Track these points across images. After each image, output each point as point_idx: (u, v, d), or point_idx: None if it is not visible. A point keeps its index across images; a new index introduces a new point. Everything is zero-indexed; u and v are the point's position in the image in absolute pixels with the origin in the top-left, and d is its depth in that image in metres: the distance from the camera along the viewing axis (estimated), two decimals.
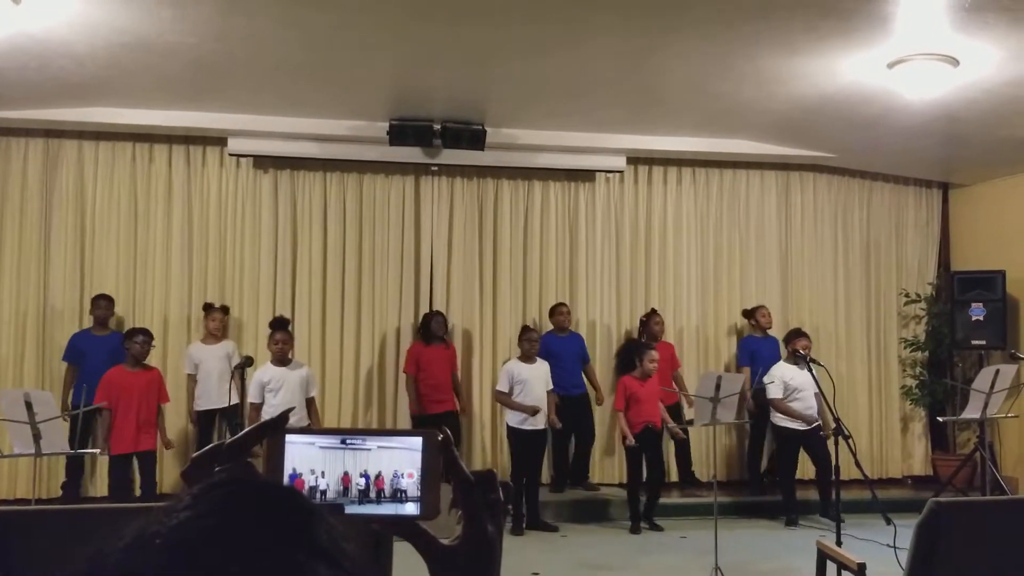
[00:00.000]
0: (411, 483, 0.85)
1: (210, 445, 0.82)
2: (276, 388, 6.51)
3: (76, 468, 7.02)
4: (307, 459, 0.86)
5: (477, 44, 5.69)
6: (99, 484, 7.45)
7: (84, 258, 7.74)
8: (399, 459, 0.85)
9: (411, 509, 0.85)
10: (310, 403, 6.74)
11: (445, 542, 0.84)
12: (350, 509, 0.85)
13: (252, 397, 6.51)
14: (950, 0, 4.79)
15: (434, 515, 0.85)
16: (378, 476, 0.85)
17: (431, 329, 7.64)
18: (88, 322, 7.42)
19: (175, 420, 7.33)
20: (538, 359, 7.27)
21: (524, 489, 7.05)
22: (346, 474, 0.85)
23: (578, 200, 8.60)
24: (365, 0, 5.04)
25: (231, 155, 7.84)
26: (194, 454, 0.81)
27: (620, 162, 8.34)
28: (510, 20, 5.26)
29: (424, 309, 8.24)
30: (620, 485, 8.01)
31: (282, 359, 6.59)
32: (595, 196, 8.62)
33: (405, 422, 8.09)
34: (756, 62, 5.91)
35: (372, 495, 0.85)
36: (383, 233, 8.24)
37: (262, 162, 8.01)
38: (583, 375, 8.00)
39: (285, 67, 6.18)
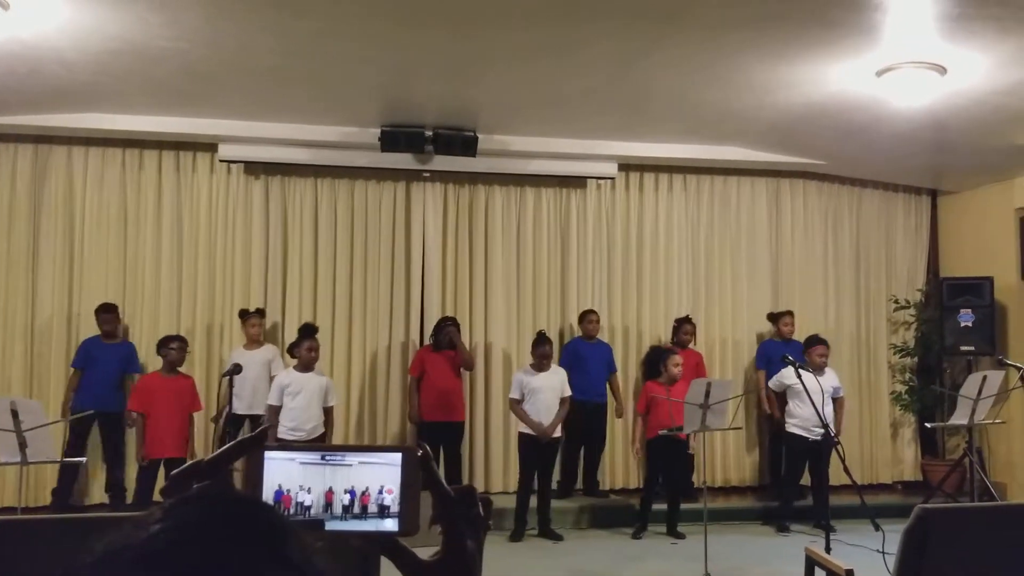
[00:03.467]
0: (391, 499, 0.86)
1: (189, 462, 0.82)
2: (295, 392, 6.58)
3: (69, 475, 7.00)
4: (291, 475, 0.86)
5: (468, 51, 5.70)
6: (96, 491, 7.42)
7: (73, 265, 7.71)
8: (380, 474, 0.86)
9: (391, 525, 0.85)
10: (328, 413, 6.78)
11: (425, 559, 0.84)
12: (332, 525, 0.86)
13: (271, 400, 6.66)
14: (938, 9, 4.82)
15: (414, 531, 0.85)
16: (364, 492, 0.85)
17: (441, 337, 7.60)
18: (86, 329, 7.40)
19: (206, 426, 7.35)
20: (554, 366, 7.19)
21: (528, 497, 7.01)
22: (330, 490, 0.85)
23: (570, 206, 8.62)
24: (355, 8, 5.04)
25: (222, 161, 7.82)
26: (174, 471, 0.81)
27: (612, 169, 8.36)
28: (501, 27, 5.28)
29: (416, 316, 8.24)
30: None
31: (308, 365, 6.67)
32: (587, 202, 8.64)
33: (397, 430, 8.09)
34: (746, 71, 5.94)
35: (356, 510, 0.86)
36: (375, 240, 8.23)
37: (253, 168, 8.00)
38: (607, 384, 7.99)
39: (276, 73, 6.18)
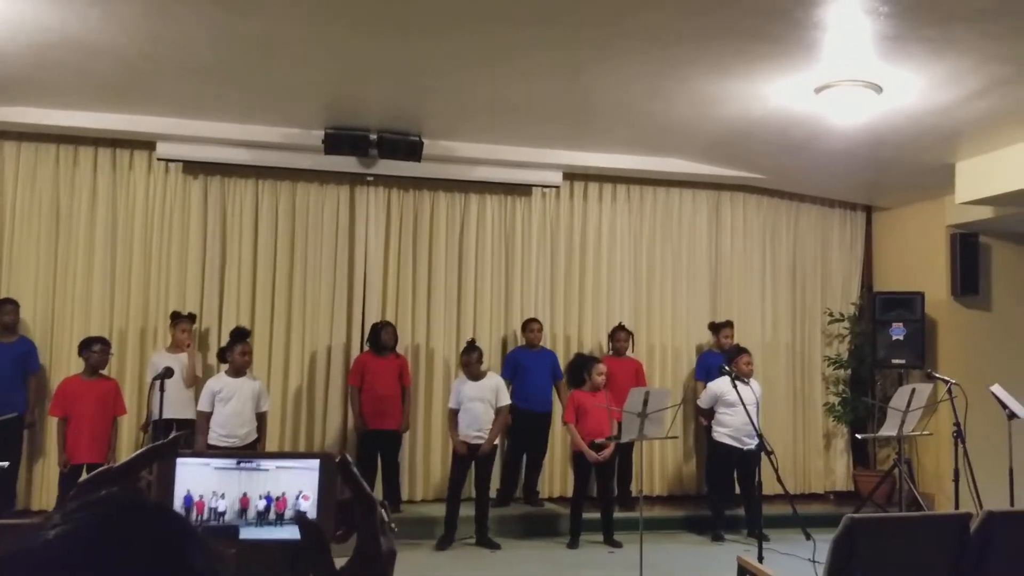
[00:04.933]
0: (308, 505, 0.84)
1: (98, 470, 0.79)
2: (227, 398, 6.46)
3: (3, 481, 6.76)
4: (203, 481, 0.84)
5: (415, 55, 5.68)
6: (45, 497, 7.21)
7: (1, 262, 7.47)
8: (297, 480, 0.84)
9: None
10: (261, 418, 6.66)
11: (340, 564, 0.82)
12: (248, 532, 0.83)
13: (202, 406, 6.50)
14: (875, 29, 4.94)
15: (331, 537, 0.83)
16: (279, 497, 0.83)
17: (381, 340, 7.56)
18: None
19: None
20: (490, 374, 7.16)
21: (456, 506, 6.98)
22: (245, 495, 0.83)
23: (514, 214, 8.63)
24: (299, 10, 4.99)
25: (160, 160, 7.67)
26: (81, 479, 0.79)
27: (556, 177, 8.40)
28: (448, 32, 5.27)
29: (357, 321, 8.16)
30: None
31: (240, 370, 6.55)
32: (531, 210, 8.66)
33: (336, 437, 8.00)
34: (689, 83, 6.02)
35: (272, 516, 0.84)
36: (316, 243, 8.14)
37: (192, 168, 7.85)
38: (555, 392, 7.98)
39: (217, 72, 6.08)
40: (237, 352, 6.55)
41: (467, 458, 6.99)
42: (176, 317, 7.30)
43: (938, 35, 4.94)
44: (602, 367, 7.20)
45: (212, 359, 7.38)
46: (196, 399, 6.71)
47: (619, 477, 7.92)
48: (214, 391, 6.48)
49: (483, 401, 6.98)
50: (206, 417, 6.46)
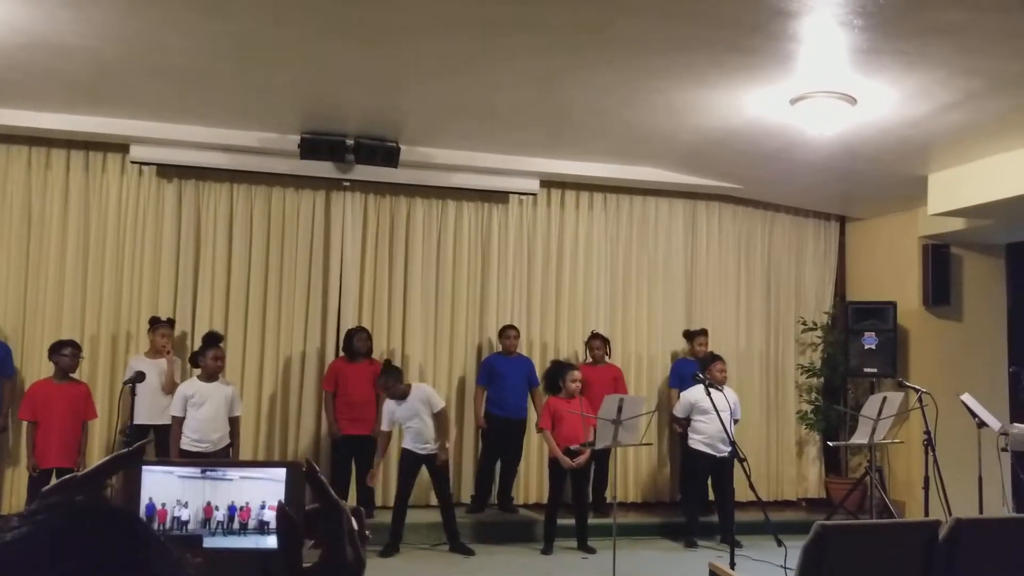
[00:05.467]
0: (273, 515, 0.83)
1: (62, 478, 0.78)
2: (200, 403, 6.38)
3: None
4: (167, 489, 0.83)
5: (392, 61, 5.67)
6: (16, 501, 7.10)
7: None
8: (263, 490, 0.83)
9: (271, 542, 0.83)
10: (234, 423, 6.60)
11: (305, 565, 0.82)
12: (211, 541, 0.83)
13: (174, 410, 6.42)
14: (850, 42, 5.00)
15: None
16: (243, 507, 0.83)
17: (353, 345, 7.53)
18: None
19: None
20: (413, 386, 6.96)
21: (402, 511, 6.91)
22: (208, 504, 0.82)
23: (491, 221, 8.63)
24: (275, 14, 4.97)
25: (133, 163, 7.60)
26: (44, 487, 0.78)
27: (534, 185, 8.42)
28: (426, 38, 5.26)
29: (333, 328, 8.12)
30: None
31: (213, 375, 6.48)
32: (508, 218, 8.67)
33: (310, 443, 7.95)
34: (666, 93, 6.05)
35: (236, 526, 0.83)
36: (291, 249, 8.09)
37: (166, 171, 7.78)
38: (530, 398, 7.95)
39: (192, 75, 6.04)
40: (210, 357, 6.50)
41: (413, 468, 6.93)
42: (155, 322, 7.22)
43: (911, 48, 5.00)
44: (576, 374, 7.21)
45: (186, 364, 7.31)
46: None
47: (594, 483, 7.93)
48: (186, 396, 6.42)
49: (418, 416, 6.83)
50: (179, 422, 6.39)
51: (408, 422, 6.86)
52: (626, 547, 6.48)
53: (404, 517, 6.94)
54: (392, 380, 6.83)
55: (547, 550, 7.12)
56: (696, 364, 7.96)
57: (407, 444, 6.97)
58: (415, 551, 6.98)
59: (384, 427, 6.95)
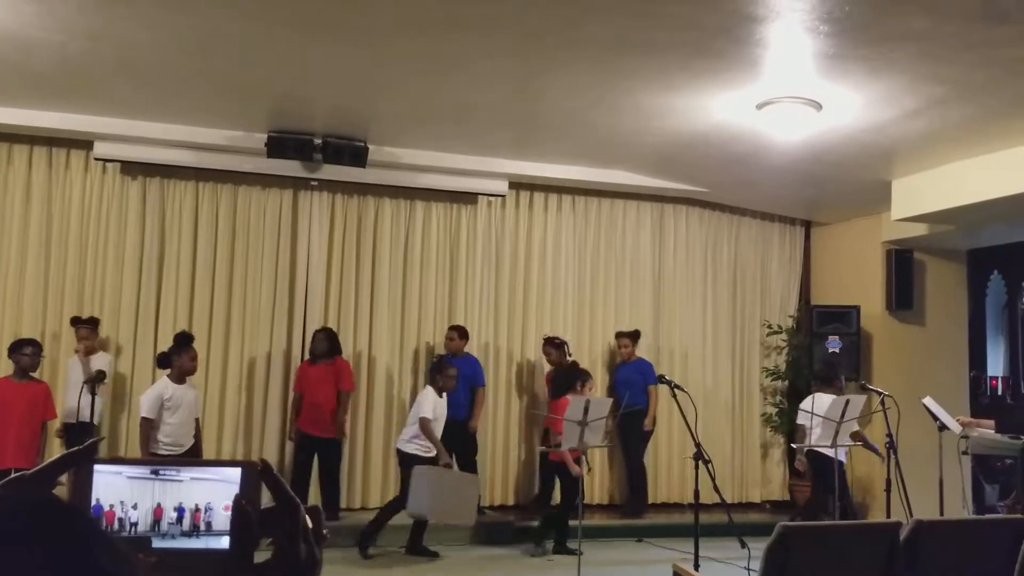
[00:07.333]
0: (227, 516, 0.81)
1: (9, 477, 0.77)
2: (175, 407, 6.14)
3: None
4: (114, 490, 0.81)
5: (361, 60, 5.64)
6: None
7: None
8: (215, 491, 0.82)
9: (226, 543, 0.81)
10: (196, 424, 6.47)
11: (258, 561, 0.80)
12: (161, 543, 0.81)
13: (148, 413, 6.07)
14: (815, 47, 5.05)
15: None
16: (196, 509, 0.81)
17: (313, 347, 7.50)
18: None
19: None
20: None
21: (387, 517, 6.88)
22: (159, 506, 0.81)
23: (459, 222, 8.61)
24: (242, 10, 4.92)
25: (97, 159, 7.48)
26: None
27: (502, 186, 8.41)
28: (395, 37, 5.24)
29: (299, 328, 8.05)
30: (514, 507, 8.28)
31: (184, 376, 6.27)
32: (476, 219, 8.65)
33: (275, 444, 7.88)
34: (634, 96, 6.07)
35: (187, 528, 0.81)
36: (257, 248, 8.01)
37: (130, 168, 7.67)
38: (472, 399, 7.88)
39: (157, 71, 5.96)
40: (187, 357, 6.27)
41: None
42: (76, 321, 7.10)
43: (876, 54, 5.06)
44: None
45: (148, 364, 7.21)
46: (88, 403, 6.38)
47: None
48: (163, 399, 6.12)
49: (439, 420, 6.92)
50: (150, 424, 6.07)
51: (441, 419, 6.87)
52: (590, 547, 6.50)
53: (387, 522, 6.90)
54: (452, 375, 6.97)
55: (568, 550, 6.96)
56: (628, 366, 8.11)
57: (416, 449, 6.84)
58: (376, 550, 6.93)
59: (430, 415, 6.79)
